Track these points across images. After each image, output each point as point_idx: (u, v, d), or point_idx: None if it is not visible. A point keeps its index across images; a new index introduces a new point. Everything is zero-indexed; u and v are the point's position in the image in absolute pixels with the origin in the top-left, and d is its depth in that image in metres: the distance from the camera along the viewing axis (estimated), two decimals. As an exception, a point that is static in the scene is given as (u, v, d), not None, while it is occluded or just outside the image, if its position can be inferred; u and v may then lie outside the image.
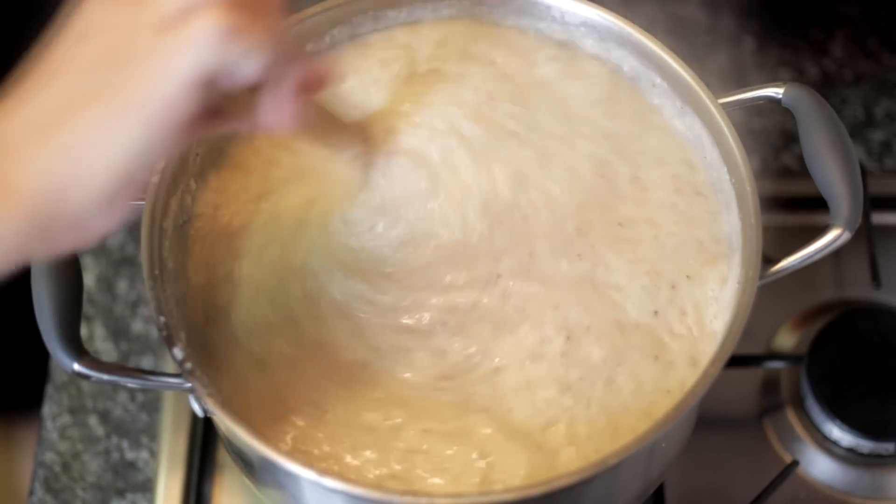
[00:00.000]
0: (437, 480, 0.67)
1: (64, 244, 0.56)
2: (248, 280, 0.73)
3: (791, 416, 0.87)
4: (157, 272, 0.69)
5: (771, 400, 0.89)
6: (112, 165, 0.54)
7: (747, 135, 0.87)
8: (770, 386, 0.89)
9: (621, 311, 0.71)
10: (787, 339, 0.91)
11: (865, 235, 0.91)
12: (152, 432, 0.89)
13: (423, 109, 0.77)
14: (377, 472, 0.67)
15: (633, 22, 0.78)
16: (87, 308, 0.93)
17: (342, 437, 0.68)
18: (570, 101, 0.78)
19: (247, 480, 0.76)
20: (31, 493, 0.88)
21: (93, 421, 0.90)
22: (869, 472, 0.85)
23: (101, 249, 0.96)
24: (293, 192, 0.76)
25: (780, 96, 0.74)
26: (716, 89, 0.75)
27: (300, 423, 0.69)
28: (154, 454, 0.88)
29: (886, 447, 0.85)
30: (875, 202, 0.95)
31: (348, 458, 0.67)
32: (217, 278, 0.73)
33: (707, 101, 0.75)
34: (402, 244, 0.73)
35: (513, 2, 0.80)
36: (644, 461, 0.70)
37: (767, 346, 0.91)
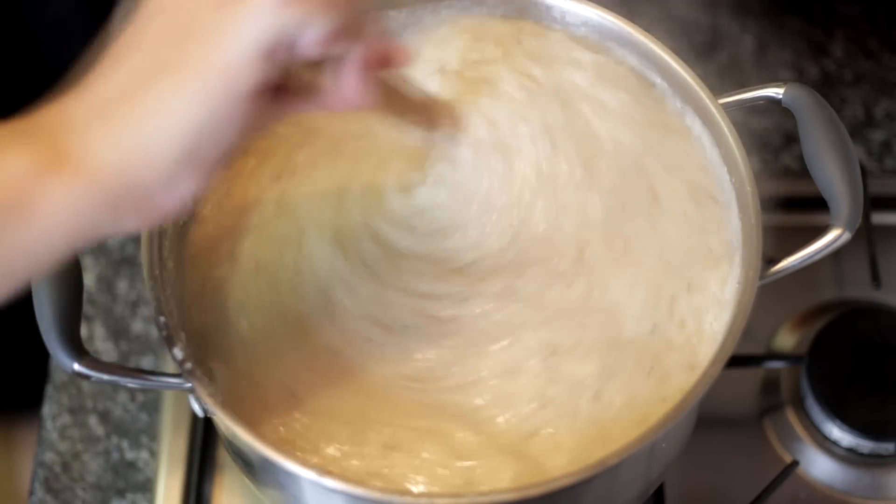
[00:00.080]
0: (419, 478, 0.66)
1: (133, 220, 0.56)
2: (248, 256, 0.73)
3: (791, 416, 0.87)
4: (157, 272, 0.69)
5: (771, 400, 0.89)
6: (176, 137, 0.54)
7: (747, 135, 0.87)
8: (770, 386, 0.89)
9: (615, 328, 0.70)
10: (787, 339, 0.91)
11: (865, 235, 0.91)
12: (152, 432, 0.89)
13: (483, 106, 0.77)
14: (356, 463, 0.67)
15: (633, 22, 0.78)
16: (87, 308, 0.93)
17: (318, 430, 0.68)
18: (598, 106, 0.77)
19: (247, 480, 0.76)
20: (31, 493, 0.88)
21: (93, 421, 0.90)
22: (869, 472, 0.85)
23: (100, 249, 0.96)
24: (319, 170, 0.76)
25: (780, 96, 0.74)
26: (716, 89, 0.75)
27: (279, 409, 0.69)
28: (154, 454, 0.88)
29: (886, 447, 0.85)
30: (875, 202, 0.95)
31: (327, 450, 0.67)
32: (219, 257, 0.73)
33: (707, 101, 0.75)
34: (429, 234, 0.73)
35: (513, 2, 0.80)
36: (644, 461, 0.70)
37: (767, 346, 0.91)
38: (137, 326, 0.94)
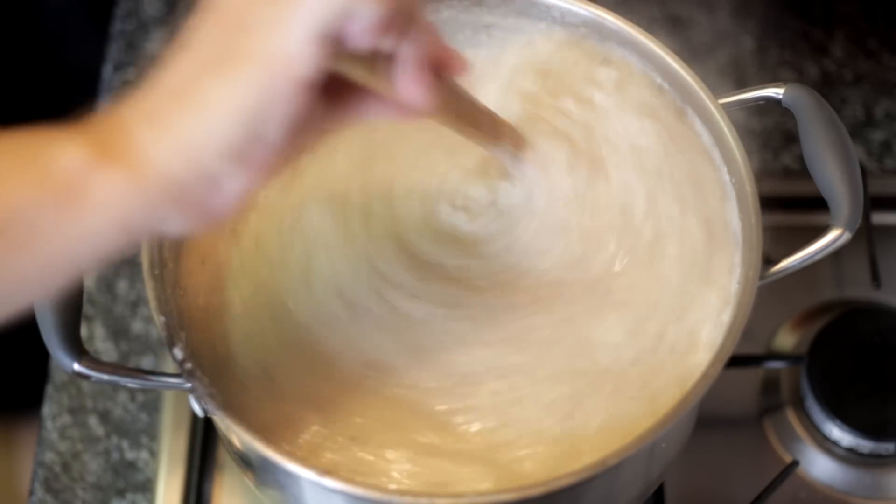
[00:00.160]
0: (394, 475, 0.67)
1: (179, 220, 0.55)
2: (250, 232, 0.73)
3: (791, 416, 0.87)
4: (157, 272, 0.69)
5: (771, 400, 0.89)
6: (234, 117, 0.53)
7: (747, 135, 0.87)
8: (770, 386, 0.89)
9: (591, 360, 0.70)
10: (787, 339, 0.91)
11: (865, 235, 0.91)
12: (152, 432, 0.89)
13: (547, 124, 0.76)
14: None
15: (633, 22, 0.78)
16: (87, 308, 0.93)
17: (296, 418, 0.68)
18: (632, 134, 0.77)
19: (247, 480, 0.76)
20: (31, 493, 0.88)
21: (93, 421, 0.90)
22: (869, 472, 0.85)
23: (101, 249, 0.96)
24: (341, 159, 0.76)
25: (781, 96, 0.74)
26: (716, 89, 0.75)
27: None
28: (154, 454, 0.88)
29: (886, 447, 0.85)
30: (875, 202, 0.95)
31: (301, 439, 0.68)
32: (221, 234, 0.74)
33: (707, 101, 0.75)
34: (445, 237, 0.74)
35: (513, 2, 0.80)
36: (644, 461, 0.70)
37: (767, 346, 0.91)
38: (137, 326, 0.94)
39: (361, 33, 0.54)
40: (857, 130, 1.02)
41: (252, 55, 0.53)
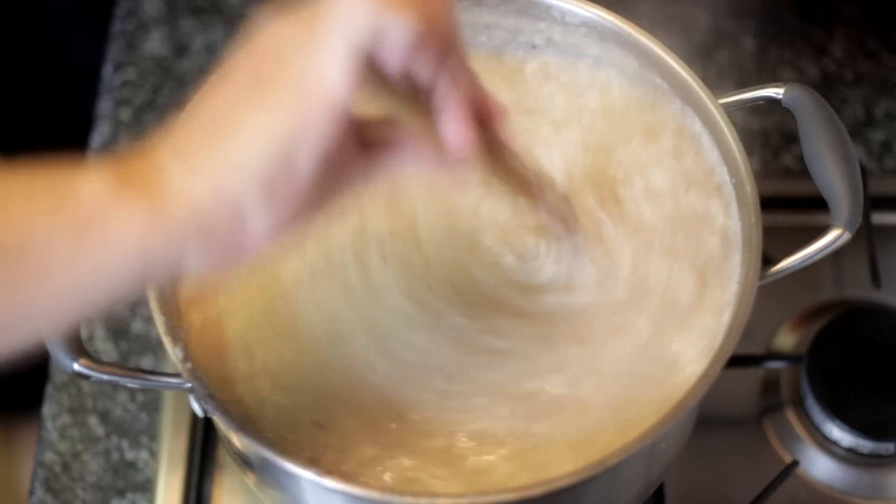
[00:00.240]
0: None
1: (221, 249, 0.53)
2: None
3: (791, 416, 0.87)
4: (157, 272, 0.69)
5: (771, 400, 0.89)
6: (267, 144, 0.51)
7: (747, 135, 0.87)
8: (770, 386, 0.89)
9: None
10: (787, 339, 0.91)
11: (865, 235, 0.91)
12: (152, 432, 0.89)
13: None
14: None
15: (633, 22, 0.78)
16: (87, 308, 0.93)
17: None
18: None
19: (247, 480, 0.76)
20: (31, 493, 0.88)
21: (93, 421, 0.90)
22: (869, 472, 0.85)
23: (101, 249, 0.96)
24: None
25: (780, 96, 0.74)
26: (716, 89, 0.75)
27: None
28: (154, 454, 0.88)
29: (886, 447, 0.85)
30: (875, 202, 0.95)
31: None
32: None
33: (707, 101, 0.75)
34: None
35: (513, 2, 0.80)
36: (644, 461, 0.70)
37: (767, 346, 0.91)
38: (137, 326, 0.94)
39: (396, 51, 0.52)
40: (857, 130, 1.02)
41: (286, 82, 0.51)
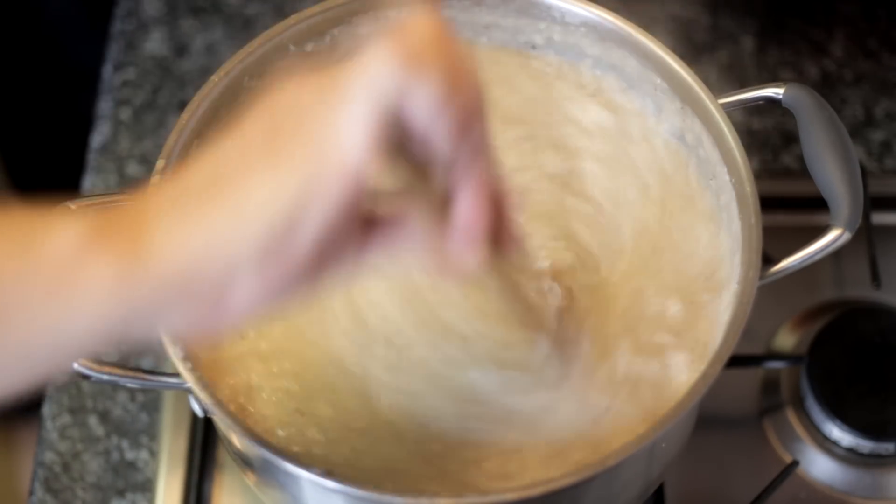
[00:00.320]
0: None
1: (201, 315, 0.49)
2: None
3: (791, 416, 0.87)
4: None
5: (771, 400, 0.89)
6: (270, 207, 0.47)
7: (747, 135, 0.87)
8: (770, 386, 0.89)
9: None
10: (787, 339, 0.91)
11: (865, 235, 0.91)
12: (152, 432, 0.89)
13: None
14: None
15: (633, 22, 0.78)
16: (87, 308, 0.93)
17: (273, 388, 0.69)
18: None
19: (247, 480, 0.76)
20: (31, 493, 0.88)
21: (93, 421, 0.90)
22: (869, 472, 0.85)
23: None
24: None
25: (780, 96, 0.74)
26: (716, 89, 0.75)
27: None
28: (154, 454, 0.88)
29: (886, 447, 0.85)
30: (875, 202, 0.95)
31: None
32: None
33: (707, 101, 0.75)
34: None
35: (513, 2, 0.80)
36: (644, 461, 0.70)
37: (767, 346, 0.91)
38: (137, 326, 0.93)
39: (420, 113, 0.48)
40: (857, 130, 1.02)
41: (301, 142, 0.48)
